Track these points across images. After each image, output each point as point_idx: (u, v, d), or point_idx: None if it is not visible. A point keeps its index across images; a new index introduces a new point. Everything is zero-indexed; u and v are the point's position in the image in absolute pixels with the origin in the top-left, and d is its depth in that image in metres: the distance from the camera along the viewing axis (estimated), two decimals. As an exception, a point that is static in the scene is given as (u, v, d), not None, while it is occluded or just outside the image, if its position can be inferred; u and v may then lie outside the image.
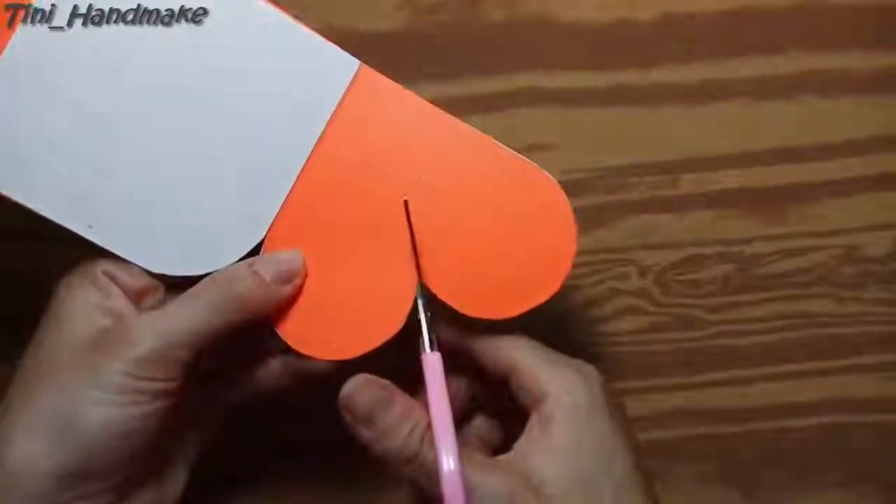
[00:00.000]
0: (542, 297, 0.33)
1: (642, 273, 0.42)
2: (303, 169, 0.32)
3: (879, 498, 0.41)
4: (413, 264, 0.32)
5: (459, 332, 0.34)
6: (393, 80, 0.34)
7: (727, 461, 0.41)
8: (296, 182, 0.32)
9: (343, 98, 0.33)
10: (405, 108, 0.33)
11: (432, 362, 0.31)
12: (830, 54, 0.42)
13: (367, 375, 0.32)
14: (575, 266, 0.41)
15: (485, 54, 0.42)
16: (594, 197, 0.42)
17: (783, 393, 0.41)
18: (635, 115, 0.42)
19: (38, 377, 0.30)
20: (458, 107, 0.42)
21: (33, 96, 0.31)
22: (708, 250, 0.42)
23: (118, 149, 0.32)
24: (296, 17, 0.33)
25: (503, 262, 0.32)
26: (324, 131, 0.32)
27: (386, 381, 0.32)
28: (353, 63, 0.33)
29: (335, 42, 0.43)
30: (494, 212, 0.33)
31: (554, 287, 0.33)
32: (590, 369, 0.33)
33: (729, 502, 0.41)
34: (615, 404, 0.33)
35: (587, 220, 0.42)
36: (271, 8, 0.32)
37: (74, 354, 0.30)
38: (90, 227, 0.32)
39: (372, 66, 0.42)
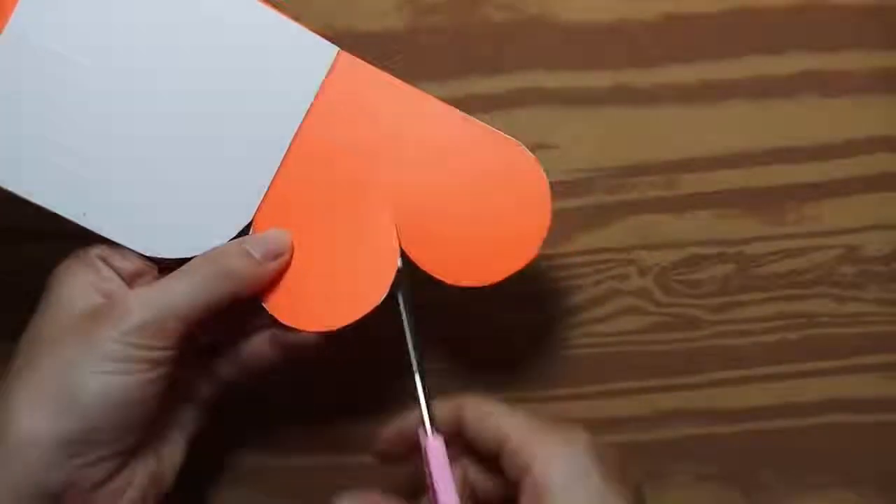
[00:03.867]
0: (519, 264, 0.34)
1: (642, 273, 0.42)
2: (286, 153, 0.33)
3: (879, 498, 0.41)
4: (394, 240, 0.33)
5: (450, 411, 0.34)
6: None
7: (727, 461, 0.41)
8: (280, 165, 0.33)
9: (322, 83, 0.34)
10: (383, 90, 0.34)
11: (435, 447, 0.32)
12: (830, 54, 0.42)
13: (358, 494, 0.33)
14: (575, 266, 0.42)
15: (485, 54, 0.42)
16: (594, 197, 0.42)
17: (783, 393, 0.41)
18: (635, 115, 0.42)
19: (38, 352, 0.31)
20: (458, 107, 0.42)
21: (24, 85, 0.32)
22: (708, 250, 0.42)
23: (108, 137, 0.33)
24: (275, 5, 0.34)
25: (483, 232, 0.34)
26: (305, 116, 0.34)
27: (377, 498, 0.33)
28: (332, 49, 0.34)
29: (335, 42, 0.43)
30: (472, 184, 0.34)
31: (531, 254, 0.34)
32: (576, 432, 0.33)
33: (729, 502, 0.41)
34: (606, 457, 0.33)
35: (587, 219, 0.42)
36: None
37: (71, 328, 0.31)
38: (84, 214, 0.33)
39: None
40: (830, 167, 0.42)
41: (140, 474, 0.33)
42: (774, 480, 0.41)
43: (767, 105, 0.42)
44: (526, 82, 0.42)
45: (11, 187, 0.33)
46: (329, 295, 0.33)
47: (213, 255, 0.33)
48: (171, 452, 0.35)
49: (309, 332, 0.33)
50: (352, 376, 0.42)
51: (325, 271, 0.33)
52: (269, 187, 0.33)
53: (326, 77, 0.34)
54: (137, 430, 0.32)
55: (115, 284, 0.33)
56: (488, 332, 0.42)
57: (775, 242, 0.41)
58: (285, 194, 0.33)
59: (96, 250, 0.33)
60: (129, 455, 0.32)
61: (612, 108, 0.42)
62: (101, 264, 0.33)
